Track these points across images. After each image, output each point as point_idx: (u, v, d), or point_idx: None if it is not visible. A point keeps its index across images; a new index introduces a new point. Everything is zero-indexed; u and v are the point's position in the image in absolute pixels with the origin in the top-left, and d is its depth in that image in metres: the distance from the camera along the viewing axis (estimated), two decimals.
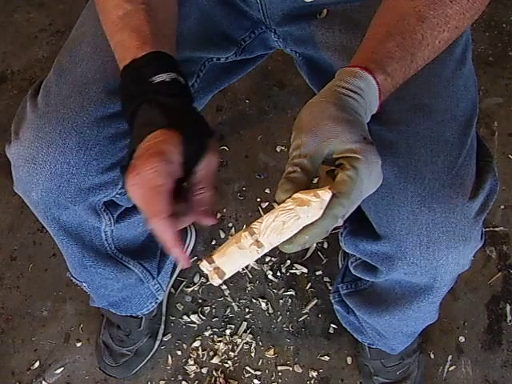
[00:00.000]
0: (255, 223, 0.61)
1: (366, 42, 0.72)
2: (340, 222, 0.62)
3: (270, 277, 1.40)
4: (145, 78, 0.71)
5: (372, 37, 0.72)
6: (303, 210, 0.59)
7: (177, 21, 0.82)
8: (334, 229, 0.65)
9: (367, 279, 1.02)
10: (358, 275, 1.03)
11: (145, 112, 0.69)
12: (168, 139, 0.66)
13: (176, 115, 0.69)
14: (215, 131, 0.71)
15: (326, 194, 0.60)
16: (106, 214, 0.94)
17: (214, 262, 0.63)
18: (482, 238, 0.85)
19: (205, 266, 0.64)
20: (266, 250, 0.62)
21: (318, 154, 0.63)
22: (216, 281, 0.64)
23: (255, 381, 1.30)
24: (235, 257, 0.63)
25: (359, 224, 0.93)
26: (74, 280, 1.10)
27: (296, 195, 0.60)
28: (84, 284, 1.10)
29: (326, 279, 1.39)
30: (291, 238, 0.61)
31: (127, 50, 0.73)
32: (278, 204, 0.62)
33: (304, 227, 0.61)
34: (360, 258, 0.99)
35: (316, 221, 0.60)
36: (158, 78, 0.70)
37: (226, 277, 0.64)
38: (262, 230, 0.61)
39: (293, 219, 0.60)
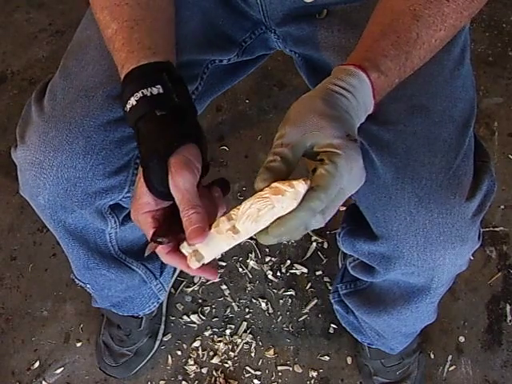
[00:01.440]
0: (234, 209, 0.62)
1: (362, 41, 0.72)
2: (321, 223, 0.61)
3: (270, 277, 1.40)
4: (123, 108, 0.72)
5: (367, 36, 0.72)
6: (277, 199, 0.59)
7: (171, 26, 0.81)
8: (323, 229, 0.64)
9: (365, 279, 1.02)
10: (356, 275, 1.03)
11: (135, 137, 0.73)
12: (138, 181, 0.71)
13: (143, 144, 0.69)
14: (183, 138, 0.69)
15: (300, 185, 0.59)
16: (112, 217, 0.94)
17: (193, 244, 0.64)
18: (479, 239, 0.85)
19: (184, 247, 0.65)
20: (244, 238, 0.62)
21: (300, 145, 0.62)
22: (194, 264, 0.64)
23: (255, 381, 1.30)
24: (214, 241, 0.63)
25: (357, 224, 0.93)
26: (77, 281, 1.10)
27: (273, 184, 0.60)
28: (88, 285, 1.10)
29: (326, 279, 1.39)
30: (267, 228, 0.60)
31: (120, 67, 0.75)
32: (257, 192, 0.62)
33: (280, 218, 0.60)
34: (358, 259, 0.99)
35: (291, 212, 0.59)
36: (128, 106, 0.70)
37: (205, 261, 0.65)
38: (239, 216, 0.61)
39: (267, 207, 0.59)
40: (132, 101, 0.69)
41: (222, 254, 1.43)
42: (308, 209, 0.59)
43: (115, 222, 0.95)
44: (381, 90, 0.69)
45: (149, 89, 0.69)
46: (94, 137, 0.81)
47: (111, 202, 0.90)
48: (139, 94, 0.69)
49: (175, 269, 1.34)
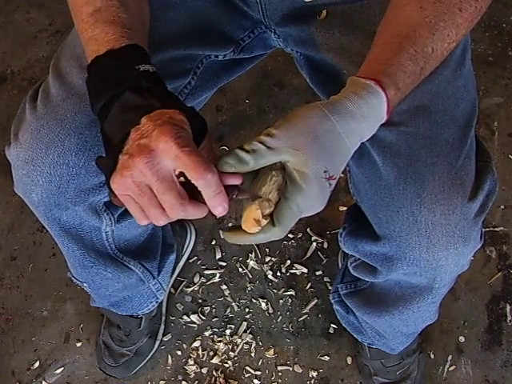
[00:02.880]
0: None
1: (377, 50, 0.72)
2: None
3: (270, 277, 1.40)
4: (129, 65, 0.69)
5: (383, 46, 0.71)
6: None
7: (148, 18, 0.81)
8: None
9: (367, 280, 1.02)
10: (358, 276, 1.03)
11: (131, 98, 0.67)
12: (175, 113, 0.64)
13: (167, 99, 0.68)
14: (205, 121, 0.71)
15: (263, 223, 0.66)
16: (107, 214, 0.94)
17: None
18: (481, 239, 0.85)
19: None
20: None
21: (279, 155, 0.64)
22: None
23: (255, 381, 1.30)
24: None
25: (358, 224, 0.93)
26: (74, 280, 1.10)
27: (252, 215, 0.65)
28: (85, 284, 1.10)
29: (326, 279, 1.39)
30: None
31: (102, 43, 0.71)
32: None
33: (242, 232, 0.67)
34: (359, 259, 0.99)
35: (252, 234, 0.66)
36: (142, 67, 0.69)
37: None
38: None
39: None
40: (148, 67, 0.69)
41: (221, 254, 1.43)
42: (264, 238, 0.66)
43: (110, 219, 0.95)
44: (395, 105, 0.70)
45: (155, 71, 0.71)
46: (86, 133, 0.81)
47: (105, 199, 0.89)
48: (154, 69, 0.70)
49: (174, 268, 1.34)
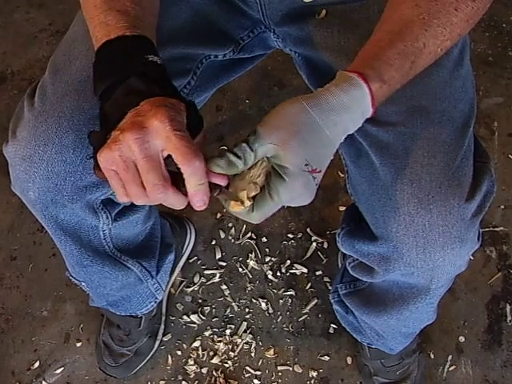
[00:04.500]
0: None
1: (368, 47, 0.72)
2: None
3: (270, 277, 1.40)
4: (139, 53, 0.70)
5: (375, 43, 0.71)
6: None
7: (157, 13, 0.81)
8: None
9: (364, 280, 1.02)
10: (356, 276, 1.03)
11: (135, 83, 0.67)
12: (175, 102, 0.65)
13: (170, 90, 0.69)
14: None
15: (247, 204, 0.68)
16: (104, 213, 0.94)
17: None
18: (478, 239, 0.85)
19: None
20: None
21: (264, 152, 0.66)
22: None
23: (255, 381, 1.30)
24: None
25: (356, 225, 0.93)
26: (72, 279, 1.10)
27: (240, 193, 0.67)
28: (83, 283, 1.10)
29: (326, 279, 1.39)
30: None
31: (113, 29, 0.71)
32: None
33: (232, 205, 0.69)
34: (357, 259, 0.99)
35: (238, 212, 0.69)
36: (150, 57, 0.70)
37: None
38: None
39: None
40: (156, 59, 0.70)
41: (221, 254, 1.43)
42: (240, 216, 0.69)
43: (107, 217, 0.95)
44: (381, 98, 0.69)
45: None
46: (84, 130, 0.81)
47: (102, 197, 0.89)
48: (162, 62, 0.71)
49: (174, 268, 1.34)
